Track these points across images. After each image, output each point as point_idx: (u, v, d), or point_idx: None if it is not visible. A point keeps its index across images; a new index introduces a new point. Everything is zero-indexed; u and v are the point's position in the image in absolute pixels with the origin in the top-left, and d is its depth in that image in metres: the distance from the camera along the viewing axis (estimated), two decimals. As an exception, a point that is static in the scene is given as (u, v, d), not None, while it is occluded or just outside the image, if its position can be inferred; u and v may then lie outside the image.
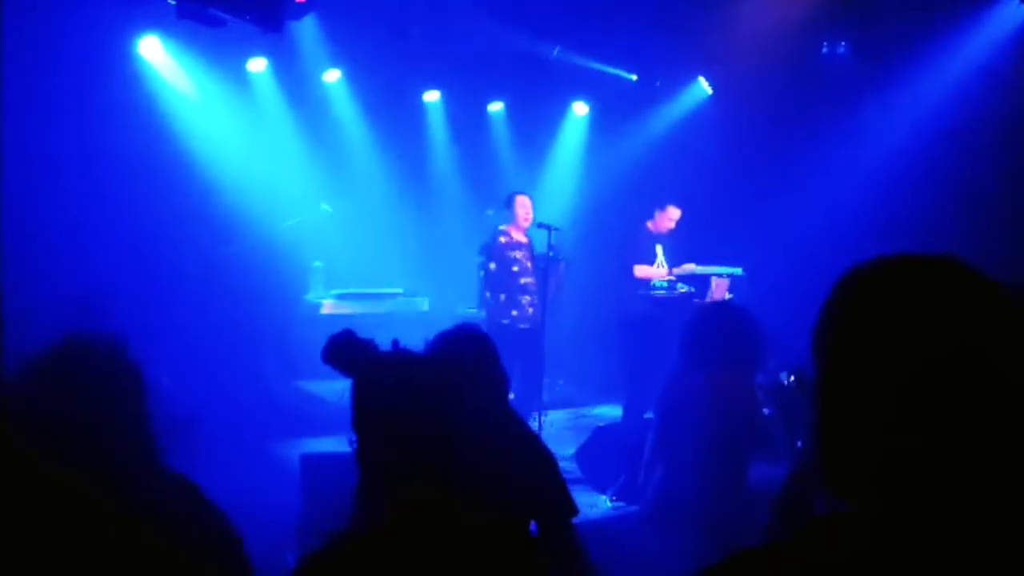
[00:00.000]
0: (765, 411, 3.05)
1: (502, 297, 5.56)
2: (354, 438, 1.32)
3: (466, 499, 1.25)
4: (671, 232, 6.05)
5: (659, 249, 6.02)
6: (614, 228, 6.36)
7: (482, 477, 1.32)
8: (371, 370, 1.36)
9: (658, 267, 5.96)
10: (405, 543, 1.20)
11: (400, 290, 6.64)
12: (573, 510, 2.11)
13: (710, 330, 3.07)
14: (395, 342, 1.44)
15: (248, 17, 4.37)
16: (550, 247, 5.48)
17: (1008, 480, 0.73)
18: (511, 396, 6.01)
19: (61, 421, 1.38)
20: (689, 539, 2.87)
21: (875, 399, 0.76)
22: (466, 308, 6.34)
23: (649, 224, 6.02)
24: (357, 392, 1.35)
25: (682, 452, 3.03)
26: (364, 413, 1.32)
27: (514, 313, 5.55)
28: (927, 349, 0.75)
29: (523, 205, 5.64)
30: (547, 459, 2.17)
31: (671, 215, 5.96)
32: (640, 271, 5.89)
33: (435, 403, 1.30)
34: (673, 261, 6.06)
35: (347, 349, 1.42)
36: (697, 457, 2.96)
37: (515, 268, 5.58)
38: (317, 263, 6.94)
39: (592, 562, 2.06)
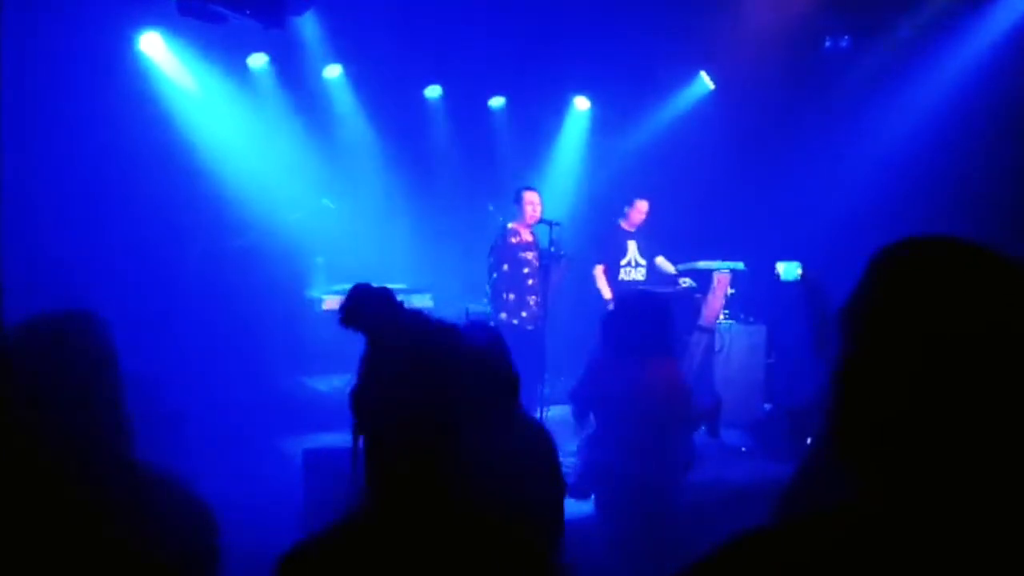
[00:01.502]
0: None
1: (512, 298, 5.56)
2: (356, 410, 1.22)
3: (466, 489, 1.20)
4: (644, 227, 6.16)
5: (632, 244, 6.13)
6: (603, 224, 6.43)
7: (485, 471, 1.28)
8: (390, 329, 1.26)
9: (631, 261, 6.12)
10: (398, 532, 1.16)
11: (403, 285, 6.64)
12: (560, 532, 2.07)
13: (633, 319, 3.21)
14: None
15: (249, 13, 4.38)
16: (551, 242, 5.48)
17: None
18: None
19: (29, 397, 1.35)
20: (629, 525, 2.96)
21: (903, 379, 0.76)
22: (477, 306, 6.34)
23: (622, 222, 6.17)
24: (371, 350, 1.25)
25: (620, 437, 3.13)
26: (374, 374, 1.22)
27: (524, 314, 5.57)
28: (959, 331, 0.75)
29: (531, 201, 5.62)
30: (555, 475, 2.12)
31: (640, 208, 6.11)
32: (599, 275, 6.03)
33: (451, 374, 1.21)
34: (647, 255, 6.16)
35: (368, 303, 1.31)
36: (634, 441, 3.06)
37: (526, 270, 5.59)
38: (319, 259, 6.94)
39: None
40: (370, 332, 1.26)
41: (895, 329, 0.78)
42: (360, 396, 1.22)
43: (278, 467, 4.59)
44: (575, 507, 4.19)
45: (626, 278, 6.10)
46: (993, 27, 5.70)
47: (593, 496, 3.35)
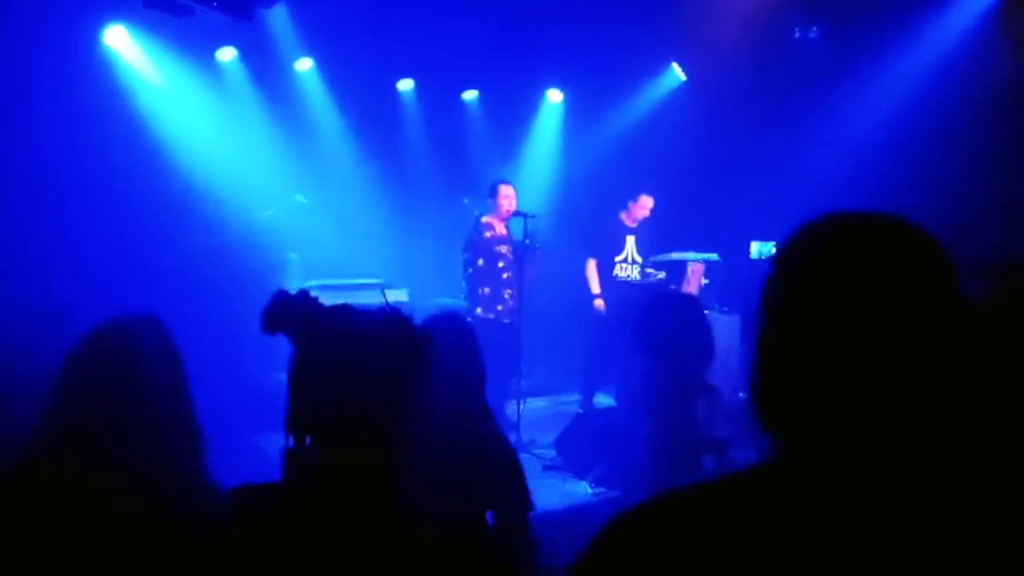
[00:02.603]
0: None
1: (487, 292, 5.54)
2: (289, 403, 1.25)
3: (411, 476, 1.21)
4: (645, 223, 6.07)
5: (631, 240, 6.05)
6: (589, 216, 6.38)
7: (434, 457, 1.28)
8: (316, 324, 1.29)
9: (628, 258, 6.02)
10: (329, 505, 1.17)
11: (378, 280, 6.61)
12: (529, 506, 2.10)
13: (662, 318, 3.14)
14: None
15: (216, 5, 4.31)
16: (526, 235, 5.48)
17: (944, 434, 0.75)
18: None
19: (105, 406, 1.37)
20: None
21: (818, 348, 0.78)
22: (448, 300, 6.33)
23: (623, 216, 6.05)
24: (299, 348, 1.27)
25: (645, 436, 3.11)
26: (305, 368, 1.25)
27: (499, 308, 5.54)
28: (870, 302, 0.77)
29: (507, 195, 5.60)
30: (510, 454, 2.15)
31: (644, 204, 5.98)
32: (589, 270, 5.93)
33: (387, 363, 1.22)
34: (645, 252, 6.10)
35: (287, 308, 1.34)
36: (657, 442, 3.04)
37: (501, 263, 5.57)
38: (293, 255, 6.87)
39: (539, 560, 2.08)
40: (294, 333, 1.30)
41: (782, 303, 0.82)
42: (293, 396, 1.25)
43: (257, 465, 4.54)
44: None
45: (620, 275, 6.01)
46: (962, 15, 5.80)
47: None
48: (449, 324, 2.12)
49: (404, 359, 1.25)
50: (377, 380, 1.21)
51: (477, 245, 5.58)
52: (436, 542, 1.22)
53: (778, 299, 0.83)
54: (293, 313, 1.32)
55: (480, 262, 5.56)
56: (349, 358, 1.22)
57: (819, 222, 0.86)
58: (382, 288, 5.32)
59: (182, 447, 1.41)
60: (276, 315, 1.33)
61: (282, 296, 1.35)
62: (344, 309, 1.31)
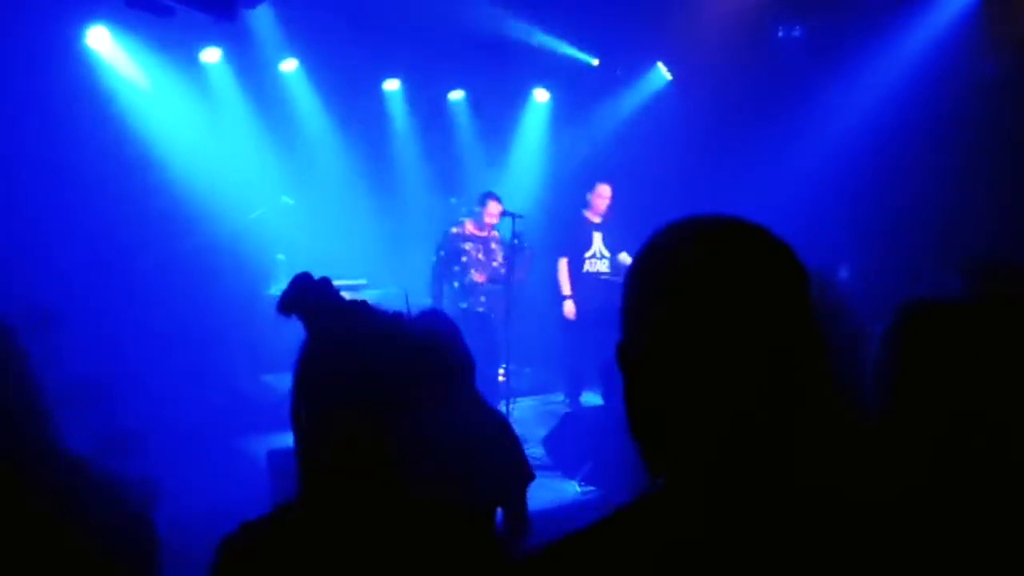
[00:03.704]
0: None
1: (455, 284, 5.73)
2: (296, 397, 1.21)
3: (420, 471, 1.19)
4: (610, 218, 6.12)
5: (598, 236, 6.10)
6: (568, 216, 6.43)
7: (442, 451, 1.27)
8: (330, 315, 1.26)
9: (596, 253, 6.08)
10: (340, 516, 1.15)
11: (364, 281, 6.59)
12: (530, 475, 2.21)
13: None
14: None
15: (198, 5, 4.27)
16: (514, 235, 5.50)
17: (807, 449, 0.72)
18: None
19: None
20: None
21: (677, 373, 0.73)
22: (428, 300, 6.34)
23: (587, 212, 6.11)
24: (312, 335, 1.24)
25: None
26: (315, 361, 1.21)
27: (463, 306, 5.66)
28: (722, 316, 0.72)
29: (491, 213, 5.76)
30: (514, 442, 2.21)
31: (602, 193, 6.04)
32: (561, 267, 6.00)
33: (393, 356, 1.20)
34: (612, 246, 6.14)
35: (307, 292, 1.30)
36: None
37: (464, 259, 5.68)
38: (280, 256, 6.84)
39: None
40: (310, 319, 1.26)
41: (634, 321, 0.78)
42: (302, 383, 1.21)
43: (243, 469, 4.53)
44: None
45: (591, 269, 6.10)
46: (943, 13, 5.85)
47: None
48: (436, 319, 2.15)
49: (423, 363, 1.23)
50: (395, 381, 1.18)
51: (442, 238, 5.81)
52: (444, 537, 1.21)
53: (630, 315, 0.78)
54: (310, 298, 1.28)
55: (441, 253, 5.77)
56: (367, 355, 1.19)
57: (664, 233, 0.81)
58: (405, 293, 5.37)
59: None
60: (293, 297, 1.29)
61: (302, 279, 1.31)
62: (365, 304, 1.28)
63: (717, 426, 0.71)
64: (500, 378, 5.64)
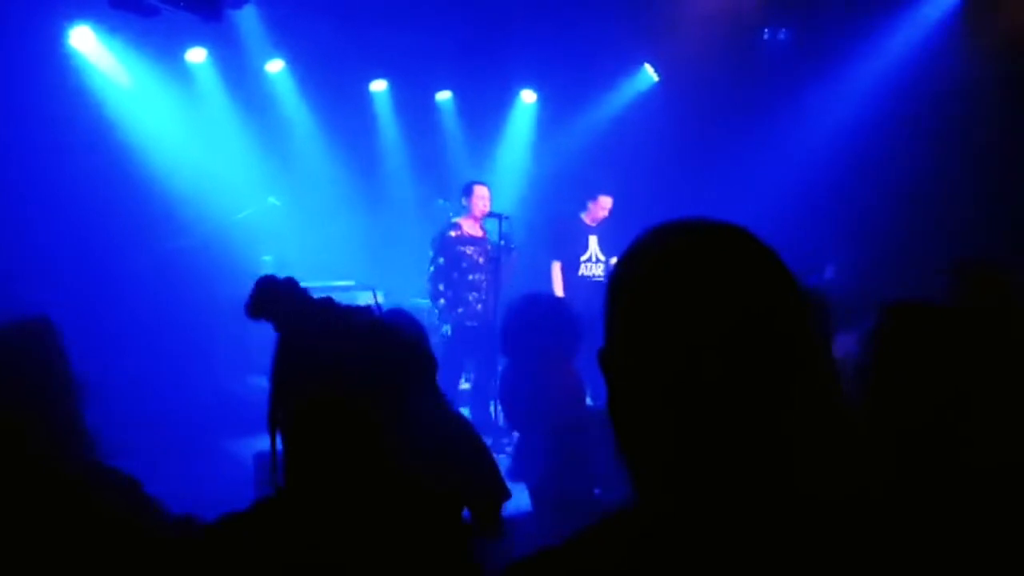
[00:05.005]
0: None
1: (449, 293, 5.51)
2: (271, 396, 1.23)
3: (398, 471, 1.21)
4: (605, 223, 6.06)
5: (593, 240, 6.05)
6: (558, 217, 6.38)
7: (414, 450, 1.28)
8: (304, 317, 1.25)
9: (592, 256, 6.00)
10: (319, 508, 1.16)
11: (352, 282, 6.57)
12: (506, 494, 2.13)
13: (525, 323, 2.98)
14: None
15: (183, 5, 4.25)
16: (501, 236, 5.47)
17: (794, 466, 0.70)
18: (467, 386, 5.97)
19: None
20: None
21: (658, 381, 0.71)
22: (416, 300, 6.31)
23: (583, 216, 6.04)
24: (284, 337, 1.24)
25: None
26: (288, 361, 1.22)
27: (460, 311, 5.51)
28: (702, 321, 0.70)
29: (481, 196, 5.57)
30: (480, 444, 2.19)
31: (603, 204, 5.95)
32: (555, 271, 5.90)
33: (364, 353, 1.21)
34: (608, 251, 6.11)
35: (273, 293, 1.30)
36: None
37: (464, 264, 5.52)
38: (267, 257, 6.81)
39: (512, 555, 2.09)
40: (279, 320, 1.27)
41: (616, 330, 0.76)
42: (277, 384, 1.23)
43: (230, 471, 4.51)
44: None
45: (587, 273, 5.98)
46: (928, 16, 5.91)
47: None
48: (402, 319, 2.18)
49: (396, 359, 1.25)
50: (367, 377, 1.20)
51: (440, 243, 5.55)
52: (420, 537, 1.21)
53: (611, 322, 0.77)
54: (280, 299, 1.28)
55: (440, 260, 5.53)
56: (339, 351, 1.20)
57: (644, 239, 0.79)
58: (373, 289, 5.28)
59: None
60: (261, 300, 1.29)
61: (268, 281, 1.31)
62: (331, 302, 1.29)
63: (701, 434, 0.70)
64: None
